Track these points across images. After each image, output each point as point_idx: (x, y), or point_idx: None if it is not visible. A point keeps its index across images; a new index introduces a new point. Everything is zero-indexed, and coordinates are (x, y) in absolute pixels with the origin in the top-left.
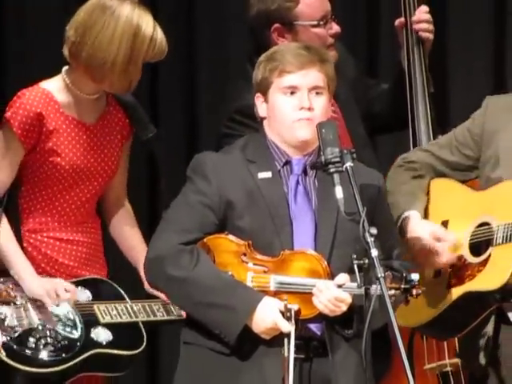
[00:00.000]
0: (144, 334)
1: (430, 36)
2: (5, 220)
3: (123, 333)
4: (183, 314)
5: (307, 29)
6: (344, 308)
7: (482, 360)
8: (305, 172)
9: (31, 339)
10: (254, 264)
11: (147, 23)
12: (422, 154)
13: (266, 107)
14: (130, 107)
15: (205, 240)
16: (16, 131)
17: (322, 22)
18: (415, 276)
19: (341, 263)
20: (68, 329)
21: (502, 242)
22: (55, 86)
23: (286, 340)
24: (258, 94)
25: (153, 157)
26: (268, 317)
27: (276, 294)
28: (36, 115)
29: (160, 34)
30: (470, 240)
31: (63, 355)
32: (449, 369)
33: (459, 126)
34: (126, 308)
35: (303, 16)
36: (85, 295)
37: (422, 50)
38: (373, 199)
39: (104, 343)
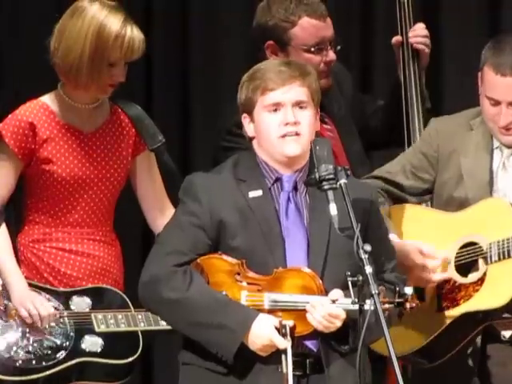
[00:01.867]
0: (140, 343)
1: (426, 49)
2: (3, 231)
3: (117, 342)
4: None
5: (299, 52)
6: (338, 324)
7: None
8: (295, 188)
9: (13, 348)
10: (248, 283)
11: (113, 21)
12: (378, 182)
13: (252, 127)
14: (135, 117)
15: (198, 260)
16: (8, 142)
17: (314, 49)
18: (408, 290)
19: (334, 278)
20: (56, 338)
21: (499, 259)
22: (51, 98)
23: (283, 356)
24: (245, 115)
25: (161, 166)
26: (263, 334)
27: (270, 311)
28: (27, 124)
29: (130, 32)
30: (456, 261)
31: (43, 363)
32: None
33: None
34: (127, 317)
35: (297, 39)
36: (84, 304)
37: (418, 66)
38: (366, 212)
39: (92, 352)
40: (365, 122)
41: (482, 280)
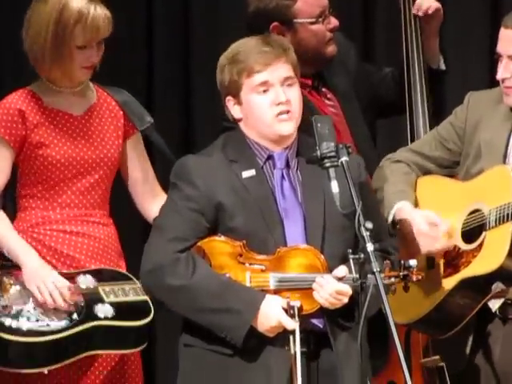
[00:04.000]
0: (151, 308)
1: (439, 11)
2: (4, 215)
3: (128, 308)
4: None
5: (306, 26)
6: (345, 300)
7: (467, 355)
8: (287, 165)
9: (24, 314)
10: (251, 264)
11: (76, 2)
12: (407, 153)
13: (239, 109)
14: (122, 100)
15: (199, 244)
16: None
17: (320, 19)
18: (413, 262)
19: (332, 253)
20: (68, 308)
21: (496, 225)
22: (36, 86)
23: (291, 337)
24: (229, 97)
25: (151, 147)
26: (272, 315)
27: (276, 291)
28: (16, 111)
29: (93, 11)
30: (462, 228)
31: (55, 327)
32: (444, 363)
33: (442, 122)
34: (134, 288)
35: (301, 13)
36: (90, 282)
37: (421, 34)
38: (356, 183)
39: (104, 317)
40: (373, 91)
41: (481, 246)
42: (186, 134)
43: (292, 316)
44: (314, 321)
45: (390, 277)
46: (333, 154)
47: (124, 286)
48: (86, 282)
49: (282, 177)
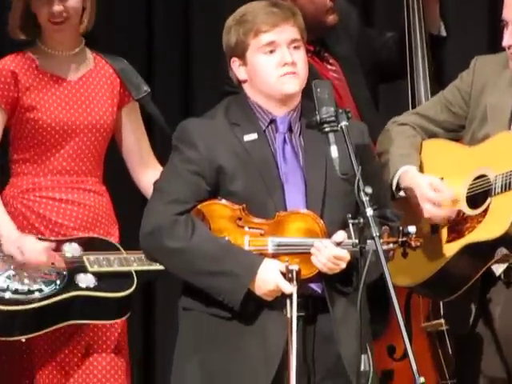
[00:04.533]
0: (134, 279)
1: None
2: None
3: (111, 279)
4: None
5: None
6: (343, 265)
7: (470, 318)
8: (290, 130)
9: (5, 281)
10: (250, 227)
11: None
12: (412, 117)
13: (244, 70)
14: (120, 68)
15: (199, 207)
16: None
17: None
18: (412, 228)
19: (332, 218)
20: (49, 275)
21: (501, 191)
22: (33, 50)
23: (288, 301)
24: (234, 59)
25: (147, 116)
26: (270, 279)
27: (274, 255)
28: (9, 73)
29: None
30: (467, 193)
31: (34, 295)
32: (444, 327)
33: (447, 86)
34: (120, 259)
35: None
36: (76, 250)
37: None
38: (358, 150)
39: (86, 287)
40: (376, 57)
41: (486, 212)
42: (185, 103)
43: (290, 280)
44: (313, 285)
45: (388, 243)
46: (332, 118)
47: (110, 255)
48: (71, 250)
49: (284, 141)
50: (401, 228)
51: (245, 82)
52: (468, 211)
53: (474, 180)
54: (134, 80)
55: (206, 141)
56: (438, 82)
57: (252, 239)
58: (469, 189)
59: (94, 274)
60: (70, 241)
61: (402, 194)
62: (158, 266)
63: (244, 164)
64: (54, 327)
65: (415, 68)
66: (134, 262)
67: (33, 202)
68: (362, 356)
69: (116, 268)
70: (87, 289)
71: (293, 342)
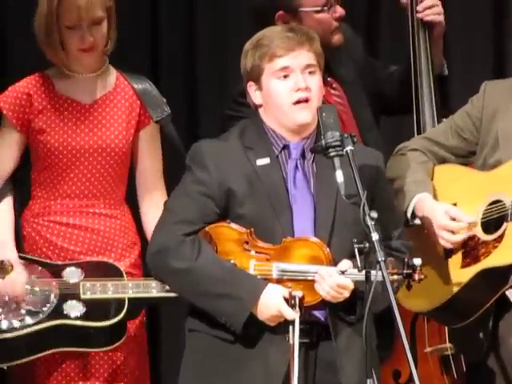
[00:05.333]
0: (125, 307)
1: (438, 18)
2: (5, 204)
3: (100, 307)
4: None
5: (311, 15)
6: (346, 294)
7: (482, 345)
8: (303, 156)
9: None
10: (256, 252)
11: None
12: (422, 141)
13: (260, 94)
14: (141, 89)
15: (206, 229)
16: (7, 113)
17: (325, 8)
18: (417, 261)
19: (341, 247)
20: (36, 304)
21: None
22: (53, 70)
23: (290, 327)
24: (250, 83)
25: (166, 138)
26: (272, 304)
27: (279, 281)
28: (24, 95)
29: None
30: (482, 218)
31: (17, 325)
32: (449, 352)
33: (458, 111)
34: (116, 285)
35: (307, 2)
36: (76, 275)
37: (428, 34)
38: (372, 179)
39: (71, 316)
40: (378, 87)
41: (502, 237)
42: (191, 109)
43: (293, 306)
44: (316, 313)
45: (392, 274)
46: (338, 143)
47: (108, 282)
48: (71, 275)
49: (296, 167)
50: (406, 260)
51: (260, 106)
52: (483, 236)
53: (489, 205)
54: (155, 101)
55: (218, 163)
56: (443, 107)
57: (257, 264)
58: (483, 214)
59: (85, 301)
60: (73, 265)
61: (417, 221)
62: (154, 294)
63: (254, 188)
64: (41, 354)
65: (420, 95)
66: (130, 290)
67: (41, 227)
68: (368, 381)
69: (109, 295)
70: (72, 318)
71: (295, 368)
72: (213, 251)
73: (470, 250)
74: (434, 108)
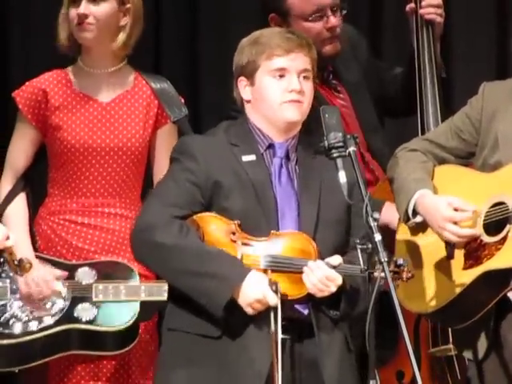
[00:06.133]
0: (137, 311)
1: (438, 18)
2: (19, 202)
3: (113, 310)
4: None
5: (298, 22)
6: (333, 289)
7: (483, 345)
8: (287, 157)
9: (4, 315)
10: (243, 243)
11: None
12: (422, 143)
13: (250, 90)
14: (160, 89)
15: (194, 217)
16: (22, 108)
17: (312, 17)
18: (403, 261)
19: (323, 245)
20: (48, 307)
21: None
22: (72, 67)
23: (272, 315)
24: (242, 78)
25: None
26: (257, 287)
27: (265, 272)
28: (40, 91)
29: None
30: (485, 220)
31: (28, 329)
32: (453, 353)
33: (457, 113)
34: (129, 288)
35: (294, 8)
36: (89, 276)
37: (432, 34)
38: (352, 183)
39: (82, 319)
40: (383, 89)
41: (504, 239)
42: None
43: (275, 292)
44: (299, 308)
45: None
46: (340, 144)
47: (120, 284)
48: (84, 275)
49: (281, 165)
50: (394, 259)
51: (248, 102)
52: (486, 238)
53: (491, 207)
54: (173, 101)
55: (206, 155)
56: (447, 108)
57: (245, 254)
58: (486, 216)
59: (96, 304)
60: (87, 265)
61: (418, 218)
62: (166, 297)
63: (241, 182)
64: (52, 357)
65: (424, 95)
66: (143, 293)
67: (57, 225)
68: (371, 382)
69: (122, 298)
70: (84, 322)
71: (278, 357)
72: (200, 238)
73: (472, 251)
74: (438, 109)
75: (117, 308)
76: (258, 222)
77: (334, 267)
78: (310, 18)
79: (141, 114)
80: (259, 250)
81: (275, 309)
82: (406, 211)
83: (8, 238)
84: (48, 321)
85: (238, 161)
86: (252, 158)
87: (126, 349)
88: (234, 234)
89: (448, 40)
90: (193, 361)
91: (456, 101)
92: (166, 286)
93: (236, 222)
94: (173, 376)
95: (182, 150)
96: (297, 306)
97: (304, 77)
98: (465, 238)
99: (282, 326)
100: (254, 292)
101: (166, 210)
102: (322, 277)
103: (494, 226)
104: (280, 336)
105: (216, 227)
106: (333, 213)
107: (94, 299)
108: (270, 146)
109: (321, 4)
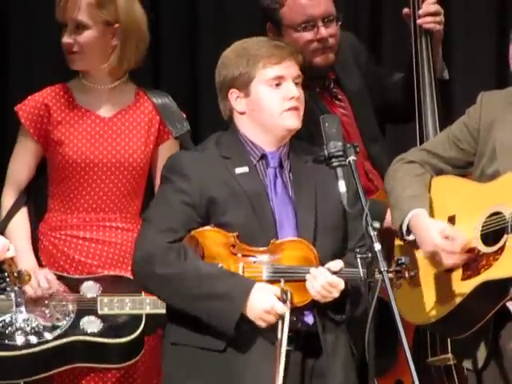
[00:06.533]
0: (142, 324)
1: (437, 27)
2: (21, 215)
3: (117, 323)
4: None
5: (289, 32)
6: (336, 294)
7: (483, 354)
8: (280, 165)
9: (9, 328)
10: (244, 255)
11: None
12: (420, 153)
13: (244, 102)
14: (161, 105)
15: (193, 233)
16: (24, 122)
17: (300, 27)
18: (405, 259)
19: (322, 252)
20: (54, 319)
21: None
22: (73, 82)
23: (279, 322)
24: (233, 90)
25: None
26: (264, 298)
27: (269, 282)
28: (42, 106)
29: None
30: (482, 230)
31: (34, 341)
32: (452, 362)
33: (455, 122)
34: (134, 301)
35: (285, 18)
36: (94, 289)
37: (430, 40)
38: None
39: (88, 332)
40: (383, 96)
41: (502, 249)
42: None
43: (284, 301)
44: (305, 318)
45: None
46: (340, 153)
47: (125, 297)
48: (89, 289)
49: (275, 175)
50: (396, 258)
51: (242, 113)
52: (483, 249)
53: (488, 217)
54: (174, 116)
55: (198, 172)
56: (446, 117)
57: (246, 266)
58: (483, 226)
59: (102, 317)
60: (91, 279)
61: (411, 237)
62: None
63: (235, 195)
64: (58, 370)
65: (423, 103)
66: (148, 306)
67: (59, 240)
68: None
69: (127, 311)
70: (89, 334)
71: (281, 364)
72: (198, 257)
73: (471, 262)
74: (437, 118)
75: (122, 321)
76: (256, 234)
77: (335, 273)
78: (299, 28)
79: (142, 129)
80: (260, 261)
81: (283, 318)
82: (401, 228)
83: (8, 249)
84: (53, 333)
85: (230, 174)
86: (245, 169)
87: (131, 361)
88: (233, 246)
89: (448, 46)
90: (197, 374)
91: (456, 107)
92: None
93: (235, 233)
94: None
95: (173, 169)
96: (302, 319)
97: (296, 83)
98: (453, 265)
99: (289, 338)
100: (262, 304)
101: (162, 237)
102: (325, 283)
103: (491, 237)
104: (285, 344)
105: (215, 241)
106: (330, 219)
107: (100, 312)
108: (263, 156)
109: (310, 15)
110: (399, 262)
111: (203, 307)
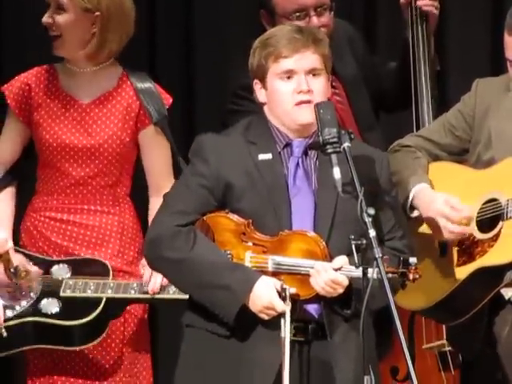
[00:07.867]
0: (99, 307)
1: (434, 10)
2: (5, 196)
3: (75, 305)
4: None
5: (281, 20)
6: (340, 290)
7: (477, 341)
8: (306, 154)
9: None
10: (253, 244)
11: None
12: (416, 139)
13: (264, 93)
14: (142, 90)
15: (204, 218)
16: (10, 103)
17: (292, 16)
18: (413, 259)
19: (340, 244)
20: (15, 299)
21: None
22: (61, 64)
23: (282, 320)
24: (256, 81)
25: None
26: (264, 295)
27: (274, 274)
28: (26, 86)
29: None
30: (477, 217)
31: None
32: (447, 348)
33: (450, 109)
34: (98, 284)
35: (278, 7)
36: (63, 272)
37: (426, 27)
38: (375, 178)
39: (46, 313)
40: (378, 84)
41: (497, 236)
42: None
43: (284, 299)
44: (311, 309)
45: (387, 272)
46: (335, 139)
47: (91, 280)
48: (59, 271)
49: (297, 165)
50: (401, 258)
51: (265, 104)
52: (479, 235)
53: (484, 204)
54: (155, 103)
55: (219, 156)
56: (442, 105)
57: (253, 256)
58: (479, 213)
59: (63, 299)
60: (64, 262)
61: (415, 213)
62: (133, 295)
63: (254, 183)
64: (17, 350)
65: (419, 89)
66: (110, 289)
67: (38, 222)
68: (365, 378)
69: (88, 294)
70: (45, 315)
71: (285, 361)
72: (208, 242)
73: (466, 248)
74: (432, 103)
75: (81, 304)
76: (269, 222)
77: (337, 269)
78: (291, 17)
79: (120, 114)
80: (268, 251)
81: (284, 314)
82: (403, 206)
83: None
84: (12, 312)
85: (252, 160)
86: (268, 156)
87: (90, 344)
88: (244, 234)
89: (443, 35)
90: (206, 359)
91: (451, 95)
92: (134, 284)
93: (247, 221)
94: (188, 372)
95: (195, 152)
96: (308, 308)
97: (313, 75)
98: (456, 234)
99: (295, 328)
100: (262, 300)
101: (173, 219)
102: (328, 280)
103: (487, 223)
104: (288, 341)
105: (226, 227)
106: (351, 210)
107: (62, 294)
108: (288, 144)
109: (303, 3)
110: (405, 262)
111: (206, 295)
